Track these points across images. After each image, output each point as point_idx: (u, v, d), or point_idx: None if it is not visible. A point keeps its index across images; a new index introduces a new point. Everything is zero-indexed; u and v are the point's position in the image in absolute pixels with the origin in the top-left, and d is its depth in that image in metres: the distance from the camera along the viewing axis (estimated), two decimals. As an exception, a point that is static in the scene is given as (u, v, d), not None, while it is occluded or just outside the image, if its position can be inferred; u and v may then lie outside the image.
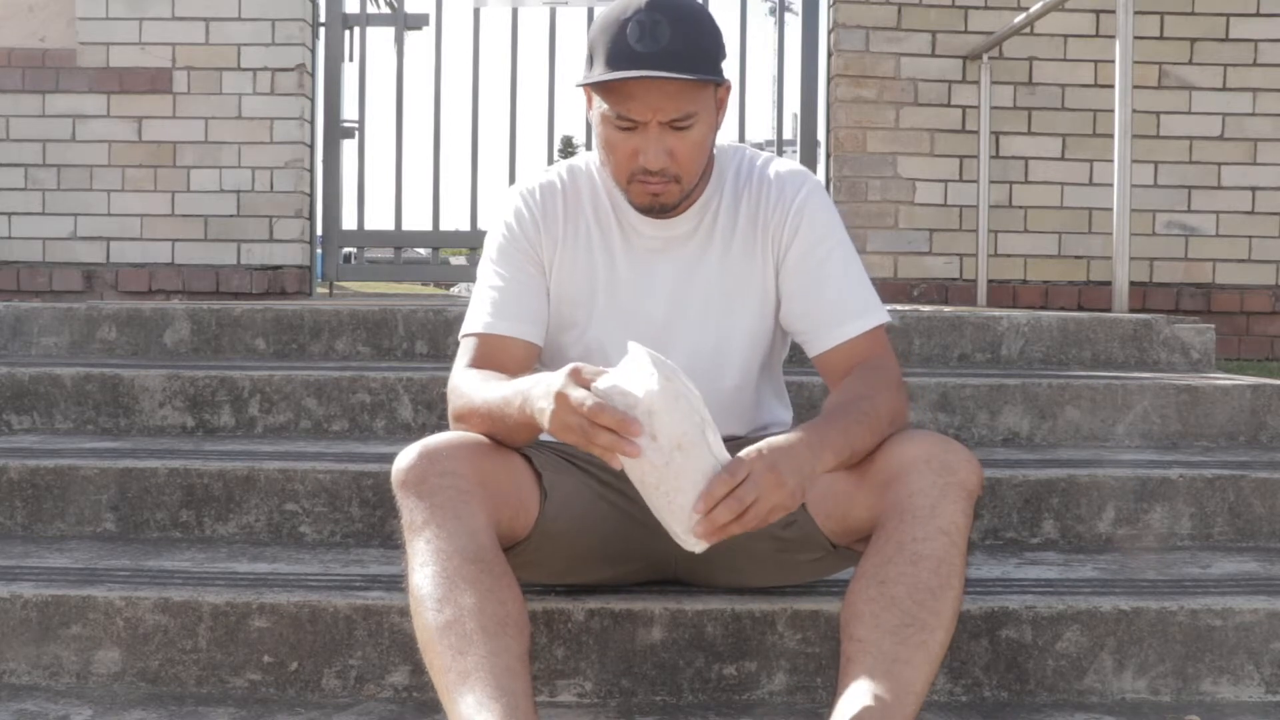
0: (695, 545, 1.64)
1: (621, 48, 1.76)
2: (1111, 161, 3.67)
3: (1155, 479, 2.52)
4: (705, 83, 1.80)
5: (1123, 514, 2.50)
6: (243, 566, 2.26)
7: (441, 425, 2.14)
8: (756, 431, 2.03)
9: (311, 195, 5.04)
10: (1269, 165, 4.92)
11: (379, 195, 6.89)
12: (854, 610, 1.65)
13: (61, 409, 2.91)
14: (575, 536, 1.92)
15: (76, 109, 4.87)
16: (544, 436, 1.91)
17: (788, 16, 5.95)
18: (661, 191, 1.85)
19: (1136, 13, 3.75)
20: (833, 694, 1.66)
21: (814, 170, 5.04)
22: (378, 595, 2.07)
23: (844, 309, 1.91)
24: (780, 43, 5.37)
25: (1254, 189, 4.94)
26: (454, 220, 5.75)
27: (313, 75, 5.00)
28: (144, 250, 4.88)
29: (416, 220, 5.31)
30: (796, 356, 2.23)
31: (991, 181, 4.72)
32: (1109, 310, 3.71)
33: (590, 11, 5.00)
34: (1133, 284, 3.77)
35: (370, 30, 5.15)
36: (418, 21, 5.19)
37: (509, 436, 1.81)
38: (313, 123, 5.01)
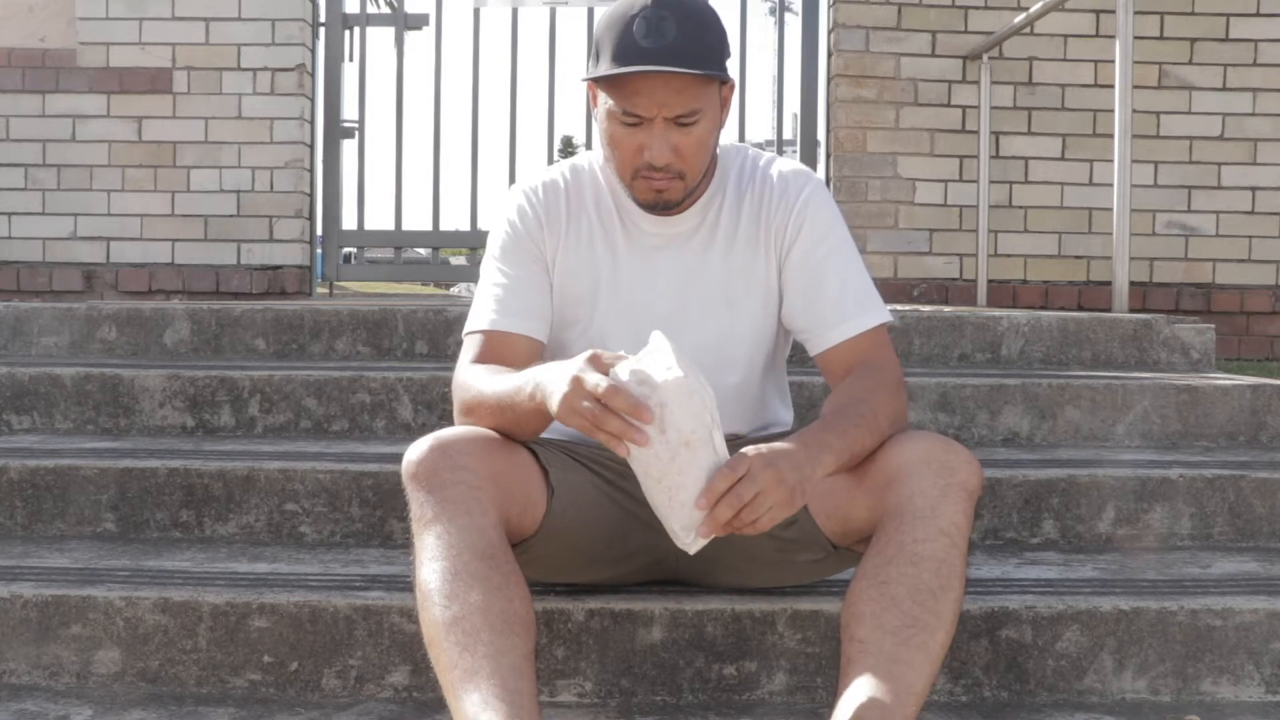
0: (692, 544, 1.64)
1: (628, 44, 1.77)
2: (1111, 161, 3.67)
3: (1155, 479, 2.52)
4: (710, 80, 1.80)
5: (1123, 514, 2.50)
6: (243, 566, 2.26)
7: (442, 425, 2.13)
8: (757, 431, 2.04)
9: (311, 195, 5.04)
10: (1269, 165, 4.92)
11: (379, 195, 6.91)
12: (854, 611, 1.65)
13: (61, 409, 2.91)
14: (580, 534, 1.92)
15: (76, 109, 4.87)
16: (550, 434, 1.92)
17: (788, 16, 5.96)
18: (666, 188, 1.85)
19: (1136, 13, 3.76)
20: (833, 694, 1.66)
21: (814, 170, 5.04)
22: (378, 595, 2.07)
23: (845, 308, 1.91)
24: (780, 43, 5.37)
25: (1254, 189, 4.94)
26: (454, 220, 5.75)
27: (313, 75, 5.00)
28: (144, 250, 4.88)
29: (416, 220, 5.31)
30: (796, 356, 2.23)
31: (991, 181, 4.72)
32: (1109, 310, 3.71)
33: (590, 11, 5.01)
34: (1133, 284, 3.78)
35: (370, 30, 5.15)
36: (418, 21, 5.19)
37: (518, 426, 1.80)
38: (313, 123, 5.01)
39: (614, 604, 2.02)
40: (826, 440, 1.70)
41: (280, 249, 4.90)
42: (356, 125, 5.17)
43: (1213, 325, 3.42)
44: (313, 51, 5.00)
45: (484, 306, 1.94)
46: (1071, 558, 2.40)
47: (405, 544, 2.39)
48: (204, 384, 2.90)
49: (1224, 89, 4.90)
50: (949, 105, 4.90)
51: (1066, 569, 2.31)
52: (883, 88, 4.89)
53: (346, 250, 5.34)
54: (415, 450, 1.75)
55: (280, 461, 2.52)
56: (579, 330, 1.99)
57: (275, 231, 4.90)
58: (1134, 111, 3.75)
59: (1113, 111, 3.66)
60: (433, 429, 1.86)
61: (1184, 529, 2.51)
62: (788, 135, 11.49)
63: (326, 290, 5.37)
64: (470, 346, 1.93)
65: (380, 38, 5.29)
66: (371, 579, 2.17)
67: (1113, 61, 3.71)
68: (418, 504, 1.71)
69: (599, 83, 1.83)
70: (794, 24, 5.46)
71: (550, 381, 1.65)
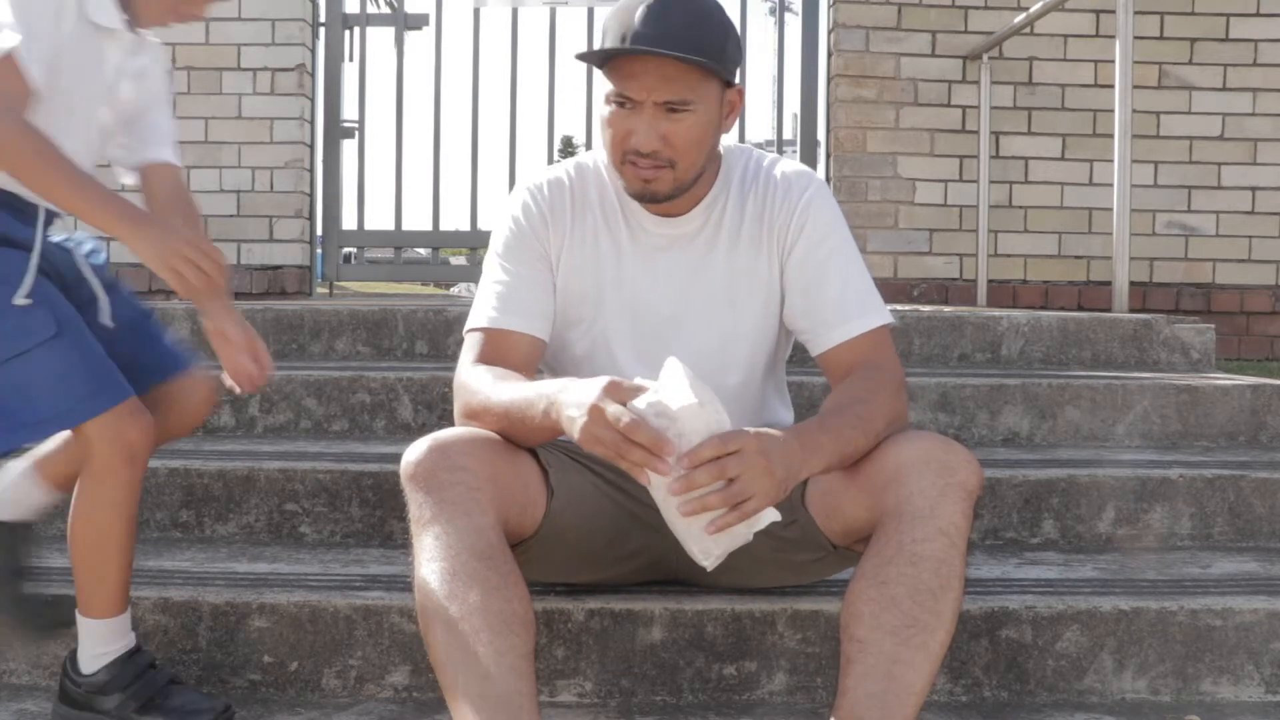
0: (711, 562, 1.68)
1: (628, 28, 1.79)
2: (1111, 161, 3.67)
3: (1155, 479, 2.52)
4: (707, 73, 1.80)
5: (1123, 514, 2.51)
6: (243, 566, 2.26)
7: (442, 425, 2.13)
8: (757, 432, 2.04)
9: (311, 195, 5.03)
10: (1269, 165, 4.92)
11: (379, 195, 6.88)
12: (854, 611, 1.65)
13: (61, 409, 2.91)
14: (580, 534, 1.92)
15: (76, 109, 4.86)
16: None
17: (788, 16, 5.96)
18: (653, 178, 1.85)
19: (1136, 13, 3.76)
20: (833, 694, 1.66)
21: (814, 171, 5.04)
22: (378, 595, 2.07)
23: (846, 309, 1.91)
24: (780, 43, 5.37)
25: (1254, 189, 4.94)
26: (454, 220, 5.75)
27: (313, 75, 5.00)
28: (144, 250, 4.87)
29: (416, 220, 5.31)
30: (795, 356, 2.23)
31: (991, 181, 4.72)
32: (1109, 310, 3.71)
33: (591, 11, 5.01)
34: (1133, 284, 3.78)
35: (370, 30, 5.15)
36: (418, 21, 5.19)
37: (525, 438, 1.81)
38: (313, 123, 5.01)
39: (614, 604, 2.02)
40: (819, 441, 1.71)
41: (280, 249, 4.90)
42: (356, 125, 5.17)
43: (1213, 325, 3.42)
44: (313, 51, 5.00)
45: (486, 304, 1.94)
46: (1071, 558, 2.40)
47: (405, 544, 2.39)
48: (204, 384, 2.90)
49: (1224, 89, 4.90)
50: (949, 105, 4.90)
51: (1066, 569, 2.31)
52: (883, 88, 4.89)
53: (346, 250, 5.33)
54: (414, 451, 1.75)
55: (280, 461, 2.52)
56: (582, 329, 1.99)
57: (275, 231, 4.90)
58: (1134, 111, 3.75)
59: (1113, 111, 3.66)
60: (433, 429, 1.86)
61: (1184, 529, 2.51)
62: (788, 135, 11.49)
63: (326, 290, 5.37)
64: (472, 344, 1.93)
65: (380, 38, 5.29)
66: (371, 579, 2.17)
67: (1113, 61, 3.71)
68: (416, 505, 1.71)
69: (598, 66, 1.85)
70: (794, 24, 5.46)
71: (568, 405, 1.65)
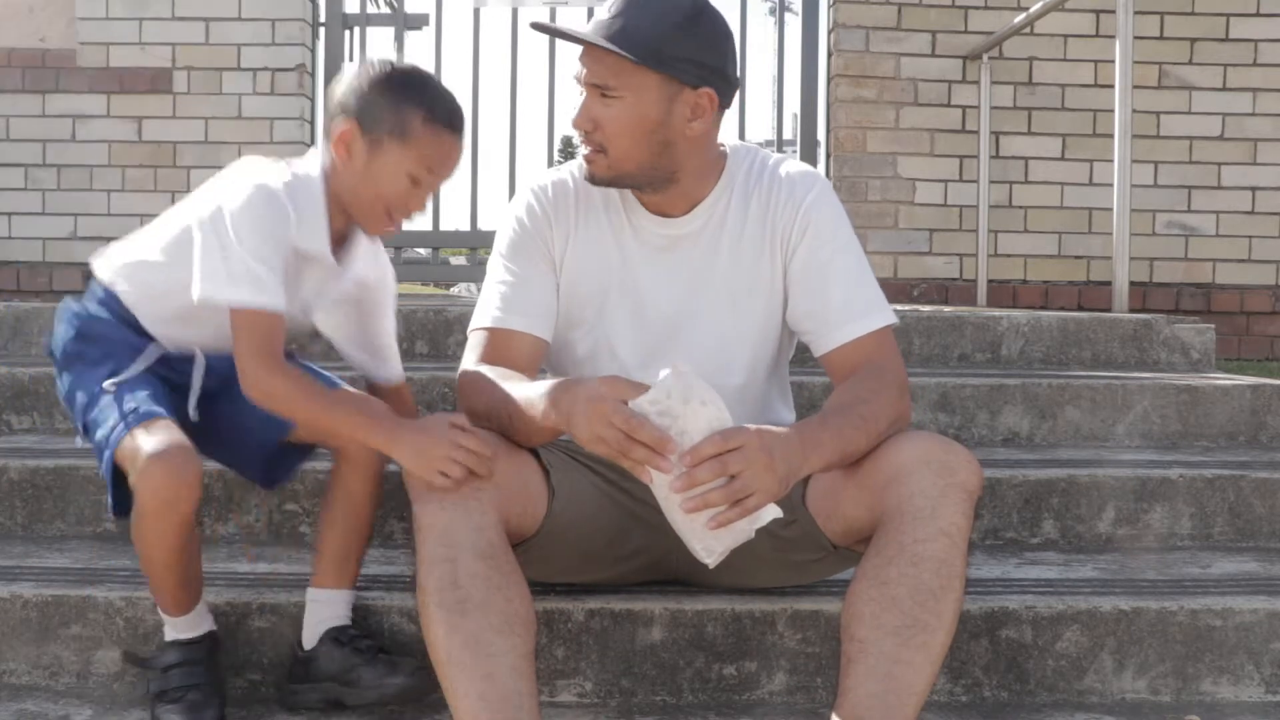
0: (714, 560, 1.68)
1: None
2: (1111, 161, 3.67)
3: (1155, 479, 2.52)
4: (639, 67, 1.82)
5: (1123, 514, 2.50)
6: (243, 566, 2.26)
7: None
8: (758, 432, 2.04)
9: (311, 195, 5.02)
10: (1269, 165, 4.92)
11: (379, 195, 6.87)
12: (855, 611, 1.65)
13: (61, 409, 2.91)
14: (581, 534, 1.92)
15: (76, 109, 4.87)
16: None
17: (788, 16, 5.96)
18: (591, 159, 1.90)
19: (1136, 13, 3.76)
20: (833, 694, 1.66)
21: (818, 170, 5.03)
22: (377, 595, 2.07)
23: (849, 309, 1.91)
24: (780, 43, 5.36)
25: (1254, 189, 4.94)
26: (454, 220, 5.76)
27: (313, 75, 5.00)
28: (144, 250, 4.87)
29: (416, 220, 5.29)
30: (796, 356, 2.23)
31: (991, 181, 4.72)
32: (1109, 310, 3.71)
33: (590, 11, 5.00)
34: (1133, 284, 3.78)
35: (370, 30, 5.15)
36: (418, 21, 5.18)
37: (526, 438, 1.82)
38: (313, 123, 5.01)
39: (614, 604, 2.02)
40: (821, 439, 1.71)
41: (280, 249, 4.89)
42: (356, 125, 5.15)
43: (1213, 325, 3.42)
44: (313, 51, 5.00)
45: (489, 303, 1.95)
46: (1071, 558, 2.40)
47: (405, 544, 2.40)
48: (204, 384, 2.90)
49: (1224, 89, 4.90)
50: (949, 105, 4.89)
51: (1066, 569, 2.31)
52: (883, 88, 4.89)
53: (346, 250, 5.32)
54: None
55: (280, 461, 2.51)
56: (585, 330, 2.00)
57: (275, 231, 4.89)
58: (1134, 111, 3.75)
59: (1113, 111, 3.66)
60: (433, 429, 1.85)
61: (1184, 529, 2.51)
62: (788, 135, 11.50)
63: (326, 290, 5.35)
64: (475, 344, 1.94)
65: (380, 38, 5.32)
66: (372, 579, 2.17)
67: (1113, 61, 3.71)
68: (418, 504, 1.72)
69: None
70: (794, 24, 5.46)
71: (569, 406, 1.66)
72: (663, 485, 1.61)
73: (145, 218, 5.33)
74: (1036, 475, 2.51)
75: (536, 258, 1.97)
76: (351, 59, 5.11)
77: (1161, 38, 4.87)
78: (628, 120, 1.85)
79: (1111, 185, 3.67)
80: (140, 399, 1.86)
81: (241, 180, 1.90)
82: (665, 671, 2.02)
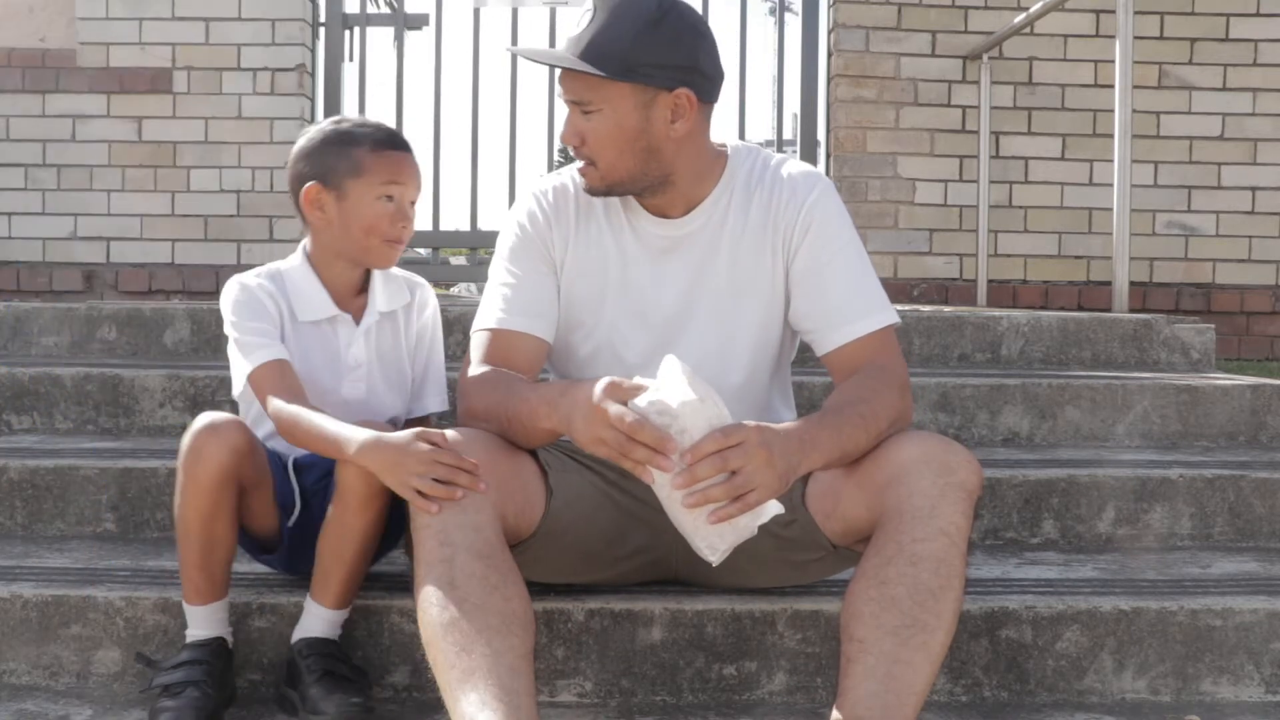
0: (717, 558, 1.68)
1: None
2: (1111, 161, 3.67)
3: (1155, 479, 2.52)
4: (610, 81, 1.83)
5: (1123, 514, 2.50)
6: (243, 566, 2.25)
7: (442, 424, 2.13)
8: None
9: (312, 195, 5.02)
10: (1269, 165, 4.92)
11: (379, 195, 6.87)
12: (854, 611, 1.65)
13: (61, 409, 2.91)
14: (579, 534, 1.92)
15: (76, 109, 4.87)
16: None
17: (788, 16, 5.96)
18: (584, 173, 1.93)
19: (1136, 13, 3.76)
20: (833, 694, 1.66)
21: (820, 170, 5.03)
22: (378, 595, 2.07)
23: (851, 309, 1.92)
24: (780, 43, 5.36)
25: (1254, 189, 4.94)
26: (454, 220, 5.75)
27: (313, 75, 5.00)
28: (144, 250, 4.88)
29: (416, 220, 5.29)
30: (797, 356, 2.23)
31: (991, 181, 4.72)
32: (1109, 310, 3.71)
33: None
34: (1133, 284, 3.78)
35: (370, 30, 5.15)
36: (418, 21, 5.18)
37: (526, 440, 1.83)
38: (312, 122, 5.00)
39: (614, 604, 2.02)
40: (820, 436, 1.71)
41: (280, 249, 4.89)
42: (356, 125, 5.15)
43: (1213, 325, 3.42)
44: (313, 51, 5.00)
45: (491, 306, 1.97)
46: (1071, 558, 2.40)
47: (405, 544, 2.39)
48: (204, 384, 2.90)
49: (1224, 89, 4.90)
50: (949, 105, 4.89)
51: (1066, 569, 2.31)
52: (883, 88, 4.89)
53: (346, 250, 5.32)
54: None
55: (280, 461, 2.51)
56: (585, 332, 2.00)
57: (275, 231, 4.90)
58: (1134, 111, 3.75)
59: (1113, 111, 3.66)
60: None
61: (1184, 529, 2.51)
62: (788, 135, 11.50)
63: (326, 290, 5.36)
64: (477, 345, 1.95)
65: (380, 38, 5.29)
66: (371, 579, 2.16)
67: (1113, 61, 3.71)
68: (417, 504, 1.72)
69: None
70: (794, 24, 5.46)
71: (569, 410, 1.67)
72: (665, 484, 1.62)
73: (145, 218, 5.33)
74: (1036, 475, 2.51)
75: (538, 260, 1.98)
76: (351, 59, 5.12)
77: (1161, 38, 4.87)
78: (608, 132, 1.87)
79: (1111, 185, 3.67)
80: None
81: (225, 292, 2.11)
82: (665, 671, 2.02)
